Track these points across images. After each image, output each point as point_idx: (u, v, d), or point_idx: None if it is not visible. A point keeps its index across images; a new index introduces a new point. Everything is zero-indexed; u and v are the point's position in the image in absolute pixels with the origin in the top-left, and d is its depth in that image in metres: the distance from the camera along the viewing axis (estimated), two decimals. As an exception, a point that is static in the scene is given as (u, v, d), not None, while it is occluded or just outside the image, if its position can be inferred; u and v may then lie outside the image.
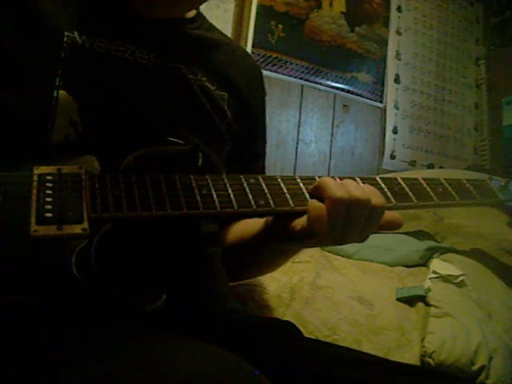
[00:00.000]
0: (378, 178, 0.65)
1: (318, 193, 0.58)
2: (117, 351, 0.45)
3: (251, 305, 1.05)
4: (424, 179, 0.68)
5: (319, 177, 0.61)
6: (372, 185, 0.63)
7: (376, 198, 0.58)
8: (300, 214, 0.59)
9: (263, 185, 0.59)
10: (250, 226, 0.72)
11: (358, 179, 0.64)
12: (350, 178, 0.63)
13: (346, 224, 0.57)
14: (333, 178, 0.60)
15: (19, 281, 0.48)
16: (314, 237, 0.57)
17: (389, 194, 0.64)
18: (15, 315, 0.48)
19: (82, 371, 0.42)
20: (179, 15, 0.73)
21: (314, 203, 0.57)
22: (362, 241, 0.62)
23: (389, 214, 0.61)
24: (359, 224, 0.58)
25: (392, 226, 0.61)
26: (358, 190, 0.57)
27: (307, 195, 0.60)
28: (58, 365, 0.43)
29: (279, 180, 0.61)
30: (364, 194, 0.57)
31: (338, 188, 0.57)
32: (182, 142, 0.63)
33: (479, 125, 2.82)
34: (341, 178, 0.62)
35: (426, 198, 0.66)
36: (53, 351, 0.46)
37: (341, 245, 0.61)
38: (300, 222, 0.58)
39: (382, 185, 0.65)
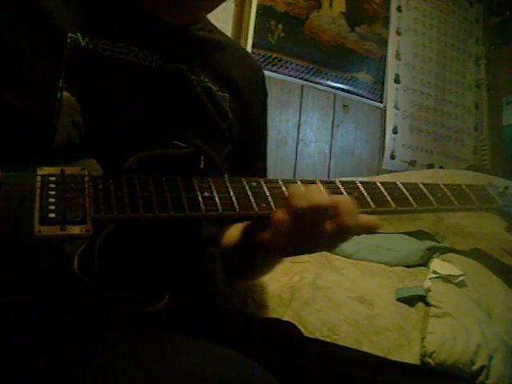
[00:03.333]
0: (378, 183, 0.66)
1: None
2: (119, 351, 0.45)
3: (251, 305, 1.06)
4: (424, 184, 0.69)
5: (320, 181, 0.62)
6: (372, 189, 0.64)
7: (343, 202, 0.56)
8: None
9: (265, 188, 0.59)
10: (234, 233, 0.72)
11: (357, 182, 0.64)
12: (350, 180, 0.63)
13: (312, 233, 0.56)
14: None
15: (22, 281, 0.48)
16: (276, 249, 0.56)
17: (389, 198, 0.64)
18: (18, 315, 0.49)
19: (83, 371, 0.43)
20: (185, 22, 0.73)
21: (276, 216, 0.55)
22: (335, 247, 0.60)
23: (364, 218, 0.58)
24: (324, 233, 0.56)
25: (366, 230, 0.58)
26: (319, 196, 0.55)
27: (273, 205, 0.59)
28: (60, 365, 0.43)
29: (281, 183, 0.61)
30: (324, 201, 0.55)
31: (300, 197, 0.55)
32: (184, 144, 0.63)
33: (479, 125, 2.83)
34: (341, 182, 0.62)
35: (425, 202, 0.67)
36: (54, 351, 0.46)
37: (312, 253, 0.60)
38: (265, 235, 0.57)
39: (382, 189, 0.65)
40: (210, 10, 0.74)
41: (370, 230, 0.58)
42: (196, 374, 0.41)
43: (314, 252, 0.60)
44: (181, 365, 0.42)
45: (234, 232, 0.73)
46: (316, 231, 0.56)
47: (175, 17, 0.70)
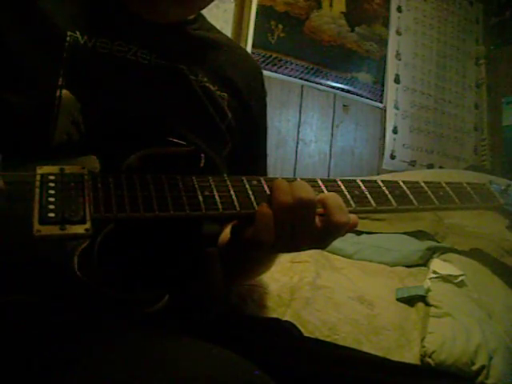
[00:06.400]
0: (379, 181, 0.65)
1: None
2: (118, 351, 0.45)
3: (251, 305, 1.05)
4: (425, 182, 0.68)
5: (321, 179, 0.61)
6: (373, 187, 0.64)
7: (330, 198, 0.57)
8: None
9: (265, 186, 0.59)
10: (227, 231, 0.70)
11: (359, 181, 0.64)
12: (350, 179, 0.63)
13: (295, 229, 0.55)
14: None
15: (22, 280, 0.48)
16: (261, 245, 0.55)
17: (390, 196, 0.64)
18: (17, 315, 0.49)
19: (83, 371, 0.43)
20: (180, 19, 0.73)
21: (261, 210, 0.55)
22: (324, 247, 0.59)
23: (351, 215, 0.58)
24: (310, 228, 0.56)
25: (352, 228, 0.58)
26: (303, 191, 0.55)
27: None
28: (60, 365, 0.43)
29: None
30: (310, 196, 0.55)
31: (284, 191, 0.55)
32: (183, 142, 0.63)
33: (479, 125, 2.83)
34: (342, 181, 0.62)
35: (427, 201, 0.66)
36: (54, 351, 0.46)
37: (297, 251, 0.59)
38: (249, 231, 0.56)
39: (383, 188, 0.65)
40: (200, 9, 0.73)
41: (355, 227, 0.58)
42: (195, 376, 0.40)
43: (304, 249, 0.59)
44: (180, 366, 0.42)
45: (227, 231, 0.72)
46: (304, 227, 0.55)
47: (163, 17, 0.69)
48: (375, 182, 0.65)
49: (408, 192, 0.66)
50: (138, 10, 0.67)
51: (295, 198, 0.54)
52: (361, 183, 0.64)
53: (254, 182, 0.59)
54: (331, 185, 0.62)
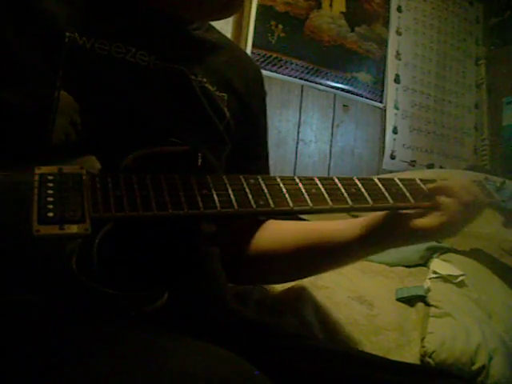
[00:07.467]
0: (375, 179, 0.66)
1: (440, 194, 0.66)
2: (118, 351, 0.45)
3: (251, 305, 1.05)
4: (421, 180, 0.69)
5: (318, 177, 0.62)
6: (369, 185, 0.65)
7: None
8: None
9: (263, 185, 0.59)
10: (321, 229, 0.77)
11: (355, 179, 0.65)
12: (347, 177, 0.63)
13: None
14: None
15: (21, 280, 0.48)
16: (446, 236, 0.67)
17: (386, 194, 0.65)
18: (17, 315, 0.49)
19: (81, 370, 0.43)
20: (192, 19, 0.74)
21: (449, 206, 0.65)
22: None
23: None
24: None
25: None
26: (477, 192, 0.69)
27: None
28: (59, 364, 0.43)
29: (278, 180, 0.61)
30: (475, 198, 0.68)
31: (464, 191, 0.67)
32: (180, 142, 0.63)
33: (479, 125, 2.83)
34: (339, 179, 0.63)
35: (423, 198, 0.67)
36: (53, 350, 0.46)
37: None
38: (425, 223, 0.65)
39: (380, 185, 0.65)
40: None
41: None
42: (195, 376, 0.40)
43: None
44: (179, 366, 0.42)
45: (324, 229, 0.76)
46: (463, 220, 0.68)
47: (191, 14, 0.71)
48: (372, 179, 0.65)
49: (404, 189, 0.66)
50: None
51: (473, 198, 0.68)
52: (357, 181, 0.64)
53: (252, 181, 0.59)
54: (328, 182, 0.62)
